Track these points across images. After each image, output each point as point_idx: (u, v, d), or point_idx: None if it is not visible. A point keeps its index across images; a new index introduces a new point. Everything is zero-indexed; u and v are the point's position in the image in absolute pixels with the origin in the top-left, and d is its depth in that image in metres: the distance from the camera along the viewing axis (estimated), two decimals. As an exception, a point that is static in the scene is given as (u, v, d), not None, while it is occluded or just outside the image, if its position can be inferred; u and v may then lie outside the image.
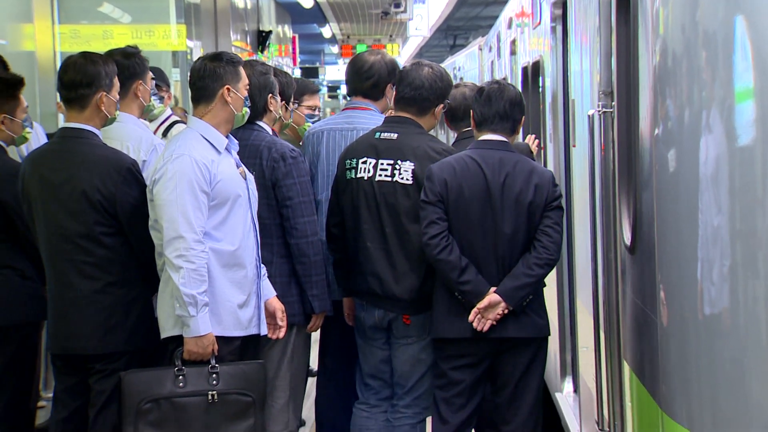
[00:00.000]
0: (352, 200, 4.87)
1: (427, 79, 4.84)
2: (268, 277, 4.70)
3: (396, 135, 4.83)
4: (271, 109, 4.88)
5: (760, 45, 2.65)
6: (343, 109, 5.41)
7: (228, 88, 4.43)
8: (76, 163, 4.41)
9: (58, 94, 6.46)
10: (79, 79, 4.42)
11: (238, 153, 4.69)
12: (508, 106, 4.67)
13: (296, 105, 6.01)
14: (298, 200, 4.71)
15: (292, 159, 4.73)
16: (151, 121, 5.60)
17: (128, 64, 4.76)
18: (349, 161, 4.90)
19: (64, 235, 4.40)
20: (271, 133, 4.88)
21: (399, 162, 4.79)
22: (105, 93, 4.45)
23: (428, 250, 4.59)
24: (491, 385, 4.75)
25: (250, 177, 4.56)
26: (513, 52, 8.92)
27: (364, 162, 4.84)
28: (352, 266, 4.92)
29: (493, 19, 16.92)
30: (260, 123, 4.84)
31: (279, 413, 4.85)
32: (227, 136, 4.47)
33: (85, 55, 4.52)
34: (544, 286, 4.80)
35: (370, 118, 5.10)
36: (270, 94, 4.85)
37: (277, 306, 4.64)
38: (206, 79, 4.43)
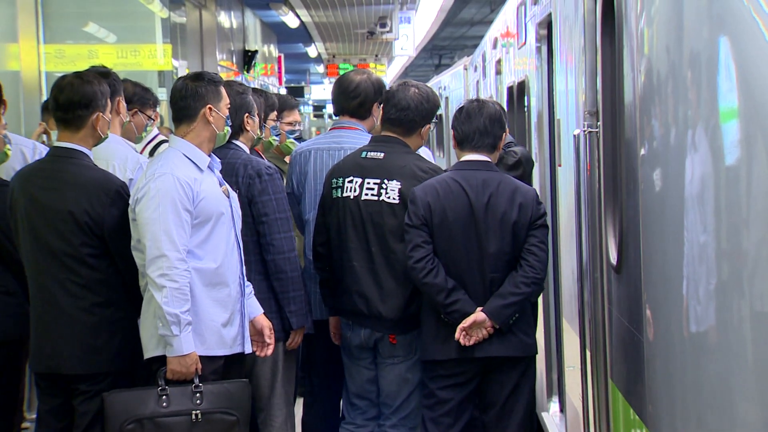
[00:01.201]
0: (338, 219, 4.87)
1: (413, 100, 4.85)
2: None
3: (382, 154, 4.84)
4: (248, 129, 4.89)
5: (744, 65, 2.66)
6: (330, 129, 5.41)
7: (210, 108, 4.44)
8: (66, 184, 4.40)
9: (41, 115, 6.49)
10: (77, 99, 4.42)
11: None
12: (488, 123, 4.68)
13: (278, 122, 6.02)
14: (274, 216, 4.71)
15: (268, 176, 4.73)
16: (137, 142, 5.61)
17: (108, 83, 4.77)
18: (335, 180, 4.90)
19: (50, 253, 4.38)
20: (248, 152, 4.88)
21: (386, 181, 4.79)
22: (101, 113, 4.46)
23: (414, 274, 4.59)
24: (479, 404, 4.75)
25: (234, 195, 4.56)
26: (498, 72, 8.94)
27: (351, 181, 4.85)
28: (338, 285, 4.92)
29: (478, 39, 16.98)
30: (236, 142, 4.85)
31: (279, 431, 4.84)
32: (209, 155, 4.47)
33: (80, 75, 4.52)
34: (536, 309, 4.80)
35: (357, 137, 5.11)
36: (247, 114, 4.86)
37: (265, 323, 4.63)
38: (188, 99, 4.44)
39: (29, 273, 4.49)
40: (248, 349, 4.54)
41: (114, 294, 4.42)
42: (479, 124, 4.67)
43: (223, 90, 4.53)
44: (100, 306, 4.39)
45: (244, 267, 4.54)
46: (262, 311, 4.65)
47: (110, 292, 4.41)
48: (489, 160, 4.70)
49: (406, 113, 4.85)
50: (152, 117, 5.71)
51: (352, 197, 4.84)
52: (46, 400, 4.52)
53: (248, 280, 4.69)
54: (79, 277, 4.37)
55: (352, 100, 5.17)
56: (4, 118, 5.21)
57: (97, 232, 4.37)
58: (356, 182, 4.84)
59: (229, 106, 4.56)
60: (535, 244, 4.58)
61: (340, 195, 4.87)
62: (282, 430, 4.86)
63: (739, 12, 2.69)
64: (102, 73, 4.88)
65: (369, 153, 4.87)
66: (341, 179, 4.88)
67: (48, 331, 4.42)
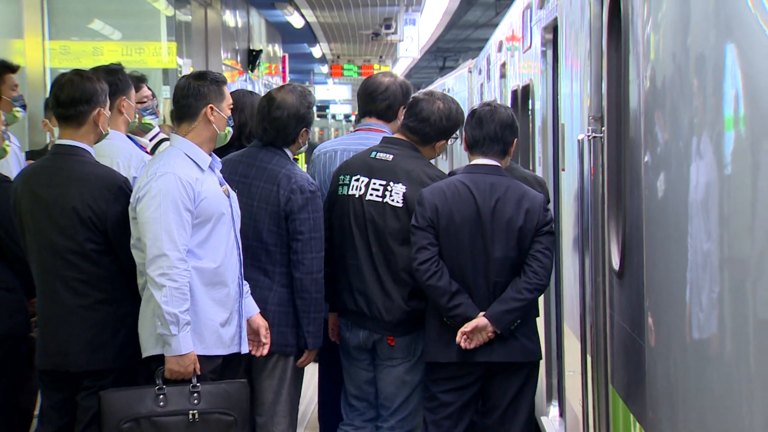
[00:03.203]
0: (342, 217, 4.87)
1: (433, 114, 4.83)
2: (266, 304, 4.69)
3: (392, 156, 4.83)
4: (300, 141, 4.86)
5: (750, 73, 2.65)
6: (355, 130, 5.39)
7: (211, 107, 4.43)
8: (68, 180, 4.41)
9: (44, 112, 6.51)
10: (78, 95, 4.43)
11: (255, 173, 4.67)
12: (499, 129, 4.67)
13: None
14: (309, 236, 4.68)
15: (310, 193, 4.69)
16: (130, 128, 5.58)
17: (112, 81, 4.78)
18: (342, 177, 4.90)
19: (54, 251, 4.39)
20: (292, 161, 4.86)
21: (391, 183, 4.78)
22: (102, 109, 4.47)
23: (418, 276, 4.58)
24: (482, 406, 4.74)
25: (233, 195, 4.55)
26: (503, 75, 8.94)
27: (357, 179, 4.84)
28: (339, 283, 4.91)
29: (482, 42, 16.98)
30: (286, 150, 4.82)
31: None
32: (210, 154, 4.47)
33: (80, 73, 4.54)
34: (537, 315, 4.79)
35: None
36: (305, 128, 4.84)
37: (261, 323, 4.62)
38: (190, 98, 4.43)
39: (35, 271, 4.50)
40: (245, 349, 4.54)
41: (117, 290, 4.42)
42: (490, 131, 4.66)
43: (225, 90, 4.52)
44: (104, 303, 4.39)
45: (242, 267, 4.53)
46: (258, 311, 4.65)
47: (114, 289, 4.41)
48: (498, 164, 4.69)
49: (423, 125, 4.84)
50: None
51: (357, 196, 4.83)
52: (49, 395, 4.53)
53: (270, 289, 4.68)
54: (83, 274, 4.37)
55: (381, 102, 5.15)
56: (3, 114, 5.23)
57: (100, 227, 4.37)
58: (362, 181, 4.83)
59: (231, 106, 4.55)
60: (540, 250, 4.57)
61: (345, 192, 4.87)
62: None
63: (746, 19, 2.68)
64: (111, 70, 4.89)
65: (378, 153, 4.86)
66: (348, 177, 4.87)
67: (53, 329, 4.42)
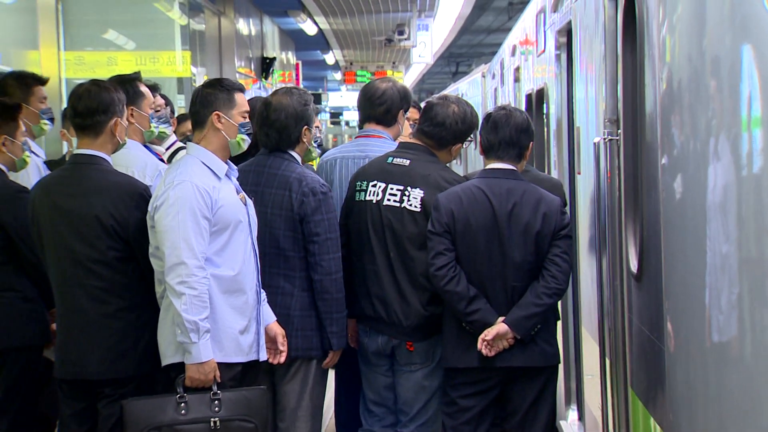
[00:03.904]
0: (360, 222, 4.88)
1: (448, 118, 4.85)
2: (289, 310, 4.69)
3: (408, 161, 4.84)
4: (304, 140, 4.85)
5: (767, 73, 2.64)
6: (356, 137, 5.42)
7: (218, 114, 4.42)
8: (89, 189, 4.43)
9: (62, 122, 6.54)
10: (95, 105, 4.46)
11: (266, 181, 4.68)
12: (515, 133, 4.67)
13: None
14: (325, 237, 4.68)
15: (323, 195, 4.70)
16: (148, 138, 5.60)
17: (125, 90, 4.79)
18: (359, 183, 4.91)
19: (75, 259, 4.40)
20: (301, 163, 4.87)
21: (409, 188, 4.79)
22: (119, 119, 4.49)
23: (436, 281, 4.58)
24: (501, 411, 4.73)
25: (250, 203, 4.55)
26: (517, 80, 8.94)
27: (374, 185, 4.85)
28: (357, 289, 4.91)
29: (495, 47, 16.99)
30: (292, 152, 4.82)
31: None
32: (227, 162, 4.47)
33: (97, 83, 4.57)
34: (558, 319, 4.78)
35: (382, 145, 5.11)
36: (306, 126, 4.83)
37: (278, 331, 4.63)
38: (197, 105, 4.46)
39: (54, 281, 4.51)
40: (263, 357, 4.54)
41: (139, 298, 4.43)
42: (505, 135, 4.66)
43: (238, 97, 4.49)
44: (125, 310, 4.41)
45: (260, 274, 4.54)
46: (275, 318, 4.65)
47: (135, 296, 4.43)
48: (514, 168, 4.69)
49: (439, 130, 4.86)
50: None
51: (374, 201, 4.84)
52: (69, 404, 4.53)
53: (291, 295, 4.69)
54: (105, 282, 4.39)
55: (379, 107, 5.18)
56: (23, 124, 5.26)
57: (122, 235, 4.39)
58: (380, 187, 4.84)
59: (245, 113, 4.53)
60: (558, 254, 4.56)
61: (363, 198, 4.88)
62: None
63: (763, 19, 2.67)
64: (122, 80, 4.91)
65: (395, 159, 4.88)
66: (365, 182, 4.89)
67: (73, 338, 4.43)
